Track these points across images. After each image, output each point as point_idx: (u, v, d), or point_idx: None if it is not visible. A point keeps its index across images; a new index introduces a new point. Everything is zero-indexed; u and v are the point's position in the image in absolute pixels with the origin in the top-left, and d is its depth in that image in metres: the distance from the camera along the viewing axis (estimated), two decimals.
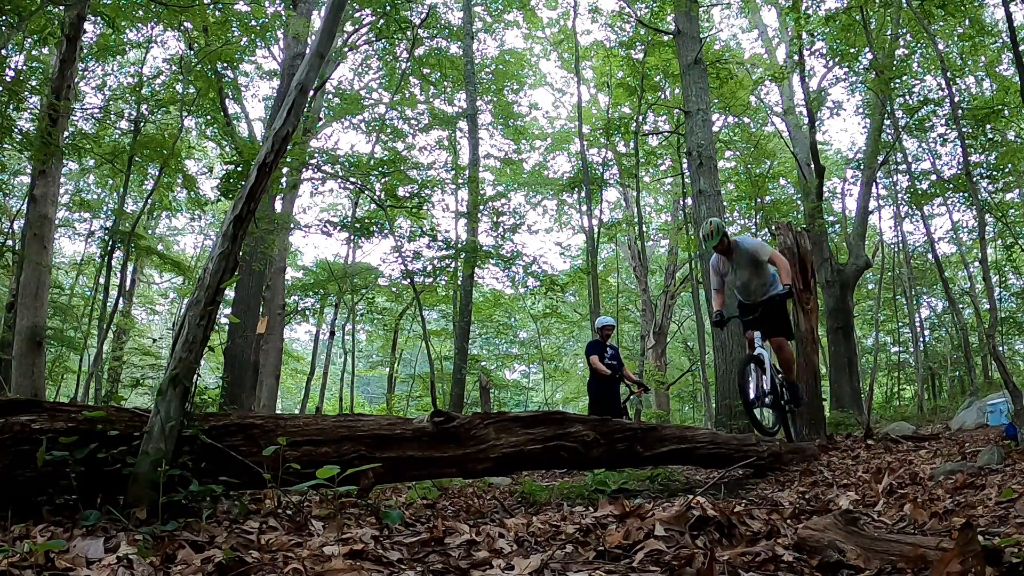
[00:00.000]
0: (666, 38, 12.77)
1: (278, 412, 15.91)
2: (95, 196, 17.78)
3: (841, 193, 18.57)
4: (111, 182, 15.64)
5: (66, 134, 9.31)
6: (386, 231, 12.95)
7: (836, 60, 13.83)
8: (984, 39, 12.65)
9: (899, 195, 16.37)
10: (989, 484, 3.13)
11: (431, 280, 15.00)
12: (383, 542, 1.84)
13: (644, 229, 18.94)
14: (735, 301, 6.28)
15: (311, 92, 2.56)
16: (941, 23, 12.01)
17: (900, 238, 17.75)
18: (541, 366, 23.51)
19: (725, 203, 13.96)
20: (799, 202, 15.46)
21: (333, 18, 2.52)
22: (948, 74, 9.49)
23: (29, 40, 10.31)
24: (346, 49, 14.58)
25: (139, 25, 11.43)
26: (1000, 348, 12.42)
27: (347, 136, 59.97)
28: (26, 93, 9.72)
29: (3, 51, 8.49)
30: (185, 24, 10.76)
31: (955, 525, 2.02)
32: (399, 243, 13.45)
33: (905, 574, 1.47)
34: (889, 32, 13.44)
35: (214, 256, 2.19)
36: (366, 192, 11.80)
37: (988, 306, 7.97)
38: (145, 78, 12.65)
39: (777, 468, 4.87)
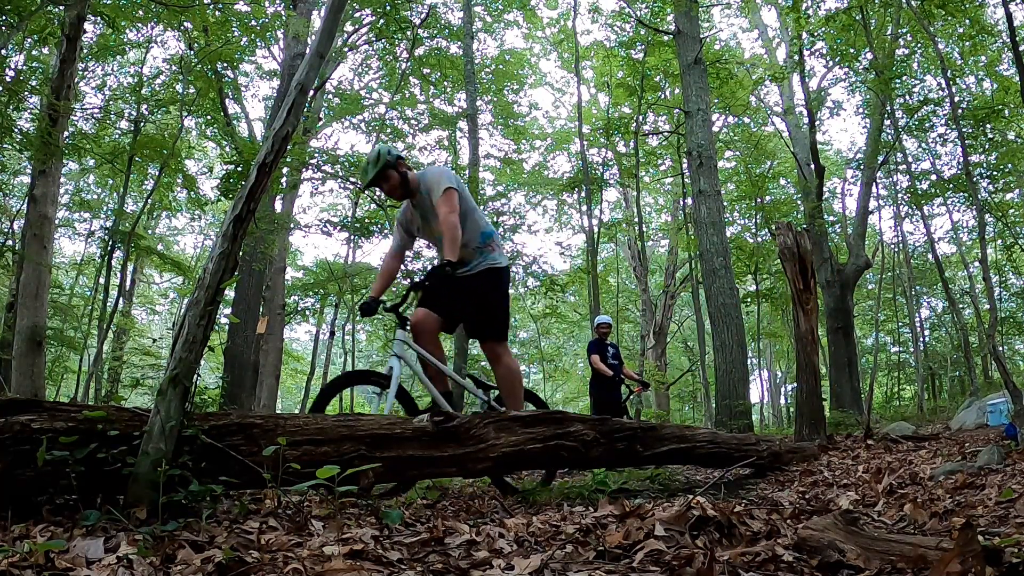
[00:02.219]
0: (666, 38, 12.77)
1: (278, 412, 15.91)
2: (95, 196, 17.78)
3: (841, 193, 18.61)
4: (111, 182, 15.64)
5: (66, 134, 9.30)
6: (386, 231, 12.94)
7: (836, 60, 13.84)
8: (984, 39, 12.65)
9: (899, 195, 16.38)
10: (989, 484, 3.13)
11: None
12: (383, 542, 1.85)
13: (644, 229, 18.94)
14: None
15: (311, 92, 2.56)
16: (941, 23, 12.01)
17: (900, 238, 17.77)
18: (541, 366, 23.52)
19: (725, 203, 13.97)
20: (799, 202, 15.47)
21: (333, 18, 2.52)
22: (948, 74, 9.49)
23: (29, 40, 10.32)
24: (346, 49, 14.59)
25: (139, 25, 11.43)
26: (1000, 348, 12.42)
27: (347, 136, 59.93)
28: (26, 93, 9.72)
29: (3, 51, 8.49)
30: (185, 24, 10.76)
31: (955, 525, 2.02)
32: None
33: (905, 574, 1.47)
34: (889, 32, 13.45)
35: (214, 256, 2.19)
36: (366, 192, 11.81)
37: (988, 306, 7.97)
38: (145, 78, 12.65)
39: (777, 468, 4.87)
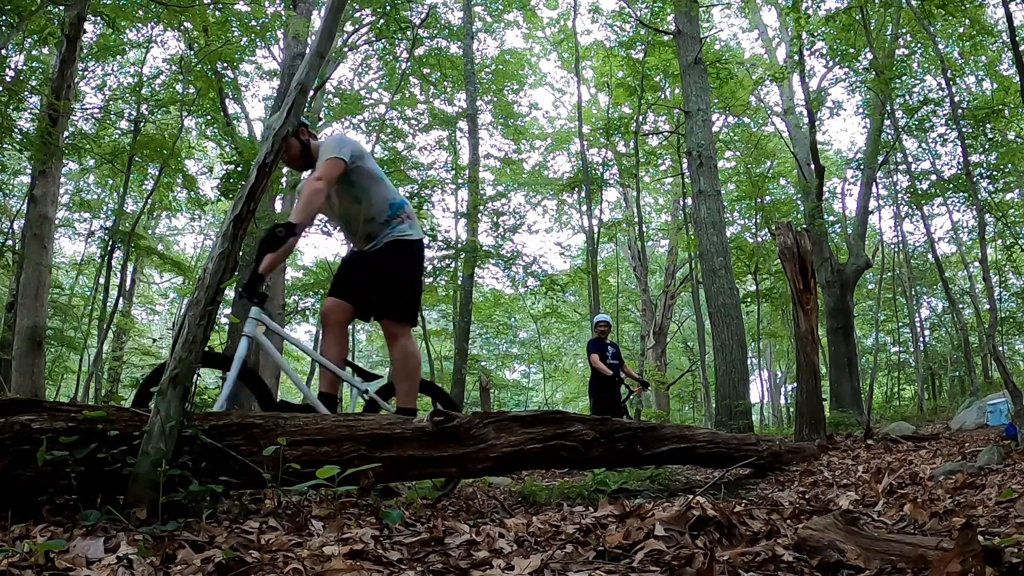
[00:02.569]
0: (666, 38, 12.77)
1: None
2: (95, 196, 17.77)
3: (841, 193, 18.59)
4: (111, 182, 15.64)
5: (66, 134, 9.31)
6: None
7: (836, 60, 13.84)
8: (984, 39, 12.65)
9: (899, 195, 16.38)
10: (989, 484, 3.13)
11: (431, 280, 15.00)
12: (383, 542, 1.85)
13: (644, 229, 18.94)
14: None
15: (311, 92, 2.56)
16: (941, 23, 12.01)
17: (900, 238, 17.77)
18: (541, 366, 23.53)
19: (725, 203, 13.97)
20: (799, 202, 15.47)
21: (333, 18, 2.52)
22: (948, 74, 9.49)
23: (29, 40, 10.32)
24: (346, 49, 14.57)
25: (139, 25, 11.43)
26: (1000, 348, 12.42)
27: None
28: (26, 93, 9.72)
29: (3, 51, 8.49)
30: (185, 24, 10.76)
31: (955, 525, 2.02)
32: None
33: (905, 574, 1.47)
34: (889, 32, 13.45)
35: (214, 256, 2.19)
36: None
37: (988, 306, 7.97)
38: (145, 78, 12.66)
39: (777, 468, 4.87)
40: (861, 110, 15.82)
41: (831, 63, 14.38)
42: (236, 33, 11.55)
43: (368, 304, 3.56)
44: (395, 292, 3.49)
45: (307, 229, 3.27)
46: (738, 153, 18.18)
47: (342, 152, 3.34)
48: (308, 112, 12.92)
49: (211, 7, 10.66)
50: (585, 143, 15.57)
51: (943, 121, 14.42)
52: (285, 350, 18.02)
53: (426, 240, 3.65)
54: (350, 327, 3.56)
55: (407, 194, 12.05)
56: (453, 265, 14.65)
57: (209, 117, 12.66)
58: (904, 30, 13.47)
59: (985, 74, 15.54)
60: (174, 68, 12.07)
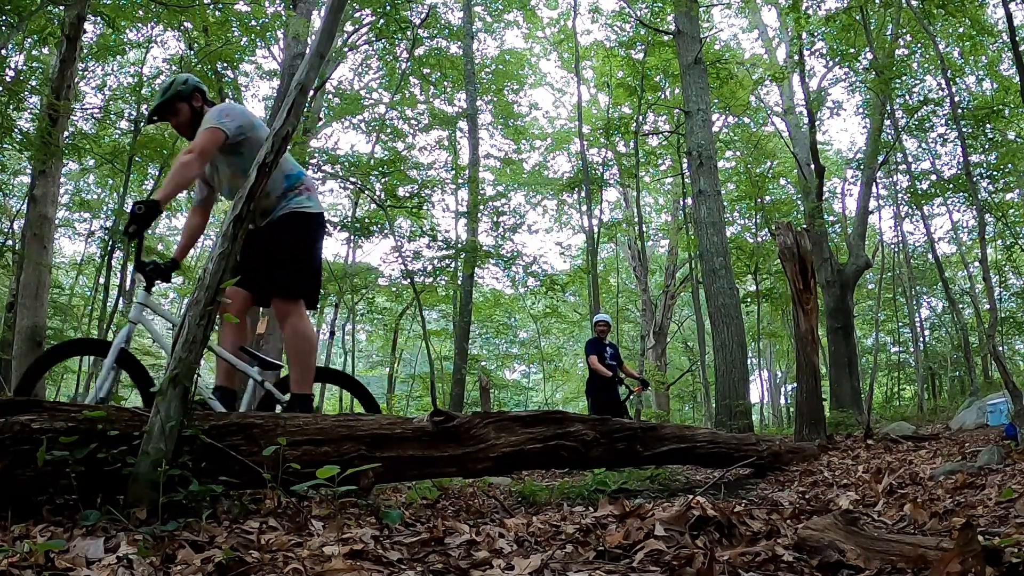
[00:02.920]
0: (666, 38, 12.77)
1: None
2: (95, 196, 17.77)
3: (841, 193, 18.60)
4: (111, 182, 15.63)
5: (66, 134, 9.30)
6: (386, 231, 12.96)
7: (836, 60, 13.84)
8: (984, 39, 12.65)
9: (899, 195, 16.38)
10: (989, 484, 3.13)
11: (431, 280, 15.01)
12: (383, 542, 1.85)
13: (644, 229, 18.95)
14: None
15: (311, 92, 2.56)
16: (941, 23, 12.01)
17: (900, 238, 17.77)
18: (541, 366, 23.53)
19: (725, 203, 13.97)
20: (799, 202, 15.47)
21: (333, 18, 2.52)
22: (948, 74, 9.49)
23: (29, 40, 10.32)
24: (346, 49, 14.57)
25: (139, 25, 11.43)
26: (1000, 348, 12.42)
27: (347, 136, 60.06)
28: (26, 93, 9.72)
29: (3, 51, 8.49)
30: (185, 24, 10.76)
31: (955, 525, 2.02)
32: (399, 243, 13.47)
33: (905, 574, 1.47)
34: (889, 32, 13.45)
35: (214, 256, 2.19)
36: (366, 192, 11.81)
37: (988, 306, 7.97)
38: (145, 78, 12.65)
39: (777, 468, 4.87)
40: (861, 110, 15.82)
41: (831, 63, 14.38)
42: (236, 33, 11.55)
43: (261, 284, 3.24)
44: (286, 267, 3.20)
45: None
46: (738, 153, 18.18)
47: (222, 122, 3.09)
48: (308, 112, 12.94)
49: (211, 7, 10.66)
50: (585, 143, 15.57)
51: (943, 121, 14.43)
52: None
53: (327, 214, 3.30)
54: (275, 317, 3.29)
55: (408, 194, 12.05)
56: (453, 265, 14.65)
57: None
58: (904, 30, 13.47)
59: (985, 74, 15.54)
60: (174, 68, 12.07)
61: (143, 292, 3.09)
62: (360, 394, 3.58)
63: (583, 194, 15.61)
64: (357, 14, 13.47)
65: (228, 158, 3.20)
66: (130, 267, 16.80)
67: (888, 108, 13.61)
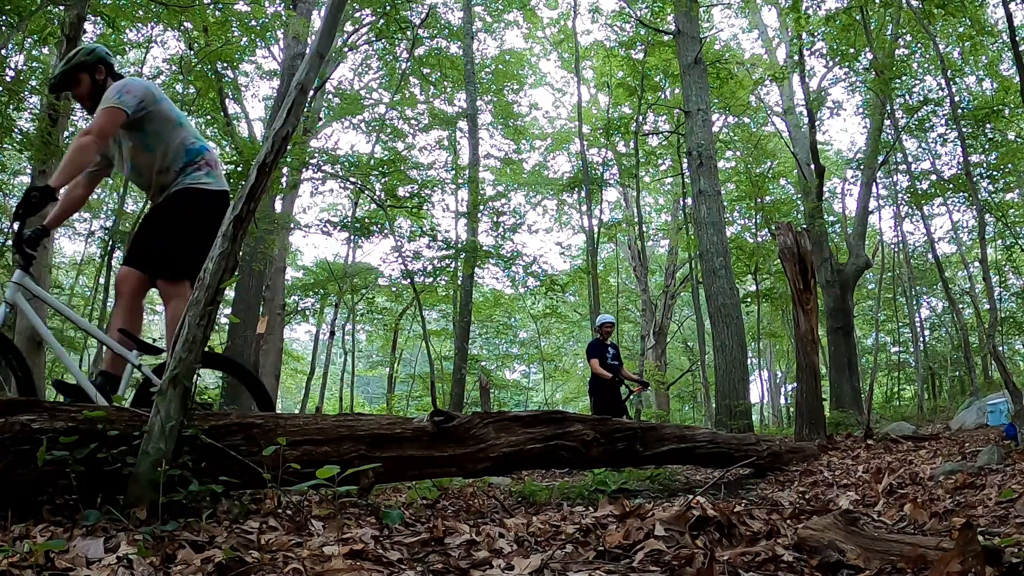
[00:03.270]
0: (666, 38, 12.77)
1: (278, 412, 15.89)
2: (95, 196, 17.75)
3: (841, 193, 18.61)
4: (111, 182, 15.64)
5: (66, 134, 9.31)
6: (386, 231, 12.95)
7: (836, 60, 13.84)
8: (984, 39, 12.65)
9: (899, 195, 16.38)
10: (989, 484, 3.13)
11: (431, 280, 15.01)
12: (383, 542, 1.85)
13: (644, 229, 18.95)
14: None
15: (311, 92, 2.56)
16: (941, 23, 12.01)
17: (900, 238, 17.76)
18: (541, 366, 23.51)
19: (725, 203, 13.96)
20: (799, 202, 15.47)
21: (333, 18, 2.52)
22: (948, 74, 9.49)
23: (29, 40, 10.31)
24: (346, 49, 14.58)
25: (139, 25, 11.43)
26: (1000, 348, 12.42)
27: (347, 136, 59.99)
28: (26, 93, 9.72)
29: (3, 51, 8.49)
30: (185, 24, 10.76)
31: (955, 525, 2.02)
32: (399, 243, 13.47)
33: (905, 574, 1.47)
34: (889, 32, 13.44)
35: (214, 256, 2.19)
36: (366, 192, 11.81)
37: (988, 306, 7.97)
38: (145, 78, 12.64)
39: (777, 468, 4.87)
40: (861, 110, 15.81)
41: (831, 63, 14.37)
42: (236, 33, 11.55)
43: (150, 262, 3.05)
44: (174, 246, 3.00)
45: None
46: (738, 153, 18.17)
47: (122, 100, 2.94)
48: (308, 112, 12.95)
49: (211, 7, 10.65)
50: (585, 143, 15.58)
51: (943, 121, 14.42)
52: (285, 350, 18.04)
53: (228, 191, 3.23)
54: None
55: (408, 194, 12.04)
56: (453, 265, 14.66)
57: (209, 117, 12.66)
58: (904, 30, 13.46)
59: (985, 74, 15.53)
60: (174, 68, 12.08)
61: (20, 271, 2.87)
62: (249, 383, 3.32)
63: (583, 194, 15.61)
64: (357, 14, 13.49)
65: (130, 133, 3.06)
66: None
67: (888, 108, 13.61)
